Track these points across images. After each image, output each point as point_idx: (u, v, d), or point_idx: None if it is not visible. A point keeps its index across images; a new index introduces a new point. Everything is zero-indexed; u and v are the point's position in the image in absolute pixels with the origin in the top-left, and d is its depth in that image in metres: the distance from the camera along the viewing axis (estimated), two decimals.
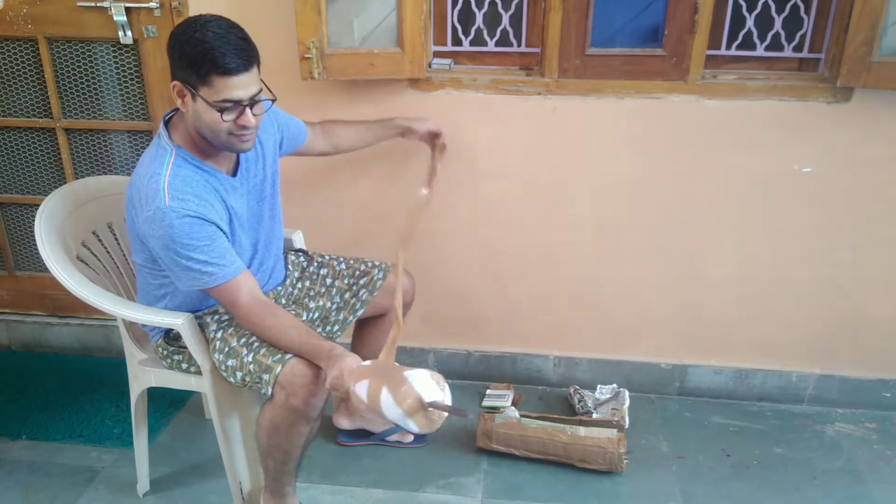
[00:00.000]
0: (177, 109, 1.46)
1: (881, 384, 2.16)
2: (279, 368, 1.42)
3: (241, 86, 1.33)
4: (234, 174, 1.53)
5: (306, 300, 1.76)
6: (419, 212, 1.85)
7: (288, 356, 1.44)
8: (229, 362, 1.50)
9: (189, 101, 1.36)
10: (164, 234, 1.37)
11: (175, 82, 1.36)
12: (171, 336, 1.61)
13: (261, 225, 1.62)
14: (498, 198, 2.07)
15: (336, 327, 1.79)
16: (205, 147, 1.45)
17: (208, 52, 1.29)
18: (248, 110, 1.37)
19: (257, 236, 1.62)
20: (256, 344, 1.48)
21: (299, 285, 1.78)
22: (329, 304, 1.78)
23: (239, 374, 1.49)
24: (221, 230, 1.43)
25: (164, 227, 1.36)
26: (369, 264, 1.84)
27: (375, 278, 1.80)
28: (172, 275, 1.44)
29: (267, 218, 1.64)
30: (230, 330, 1.53)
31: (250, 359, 1.47)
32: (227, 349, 1.51)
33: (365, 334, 1.91)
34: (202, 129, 1.39)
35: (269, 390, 1.44)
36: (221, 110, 1.34)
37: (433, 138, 1.89)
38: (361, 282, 1.80)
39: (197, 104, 1.35)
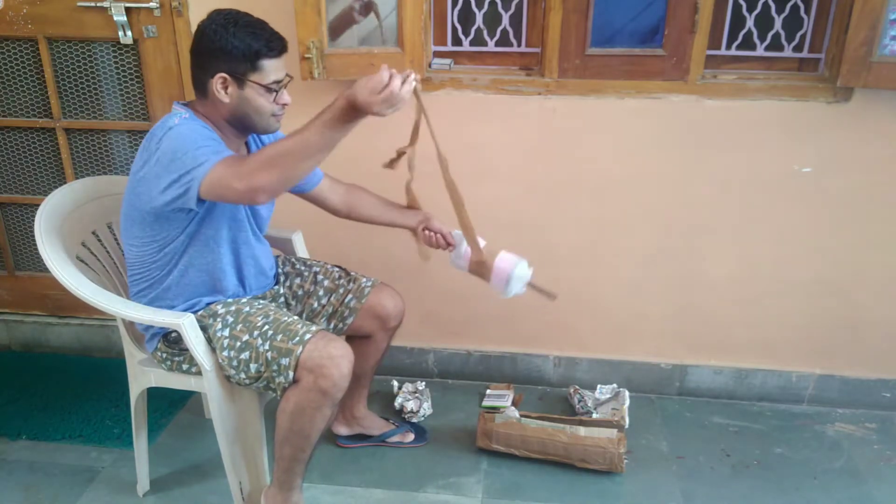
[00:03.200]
0: (187, 103, 1.53)
1: (881, 384, 2.16)
2: (300, 350, 1.43)
3: (281, 67, 1.48)
4: None
5: (300, 292, 1.77)
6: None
7: (308, 336, 1.44)
8: (242, 356, 1.49)
9: (234, 90, 1.46)
10: (173, 142, 1.39)
11: (221, 75, 1.44)
12: (170, 340, 1.61)
13: (241, 232, 1.61)
14: (498, 198, 2.07)
15: None
16: (222, 130, 1.51)
17: (257, 40, 1.42)
18: (284, 89, 1.50)
19: (238, 240, 1.61)
20: (271, 332, 1.48)
21: (298, 280, 1.79)
22: (316, 306, 1.78)
23: (254, 367, 1.49)
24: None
25: (174, 136, 1.40)
26: (358, 274, 1.83)
27: (364, 285, 1.79)
28: (170, 190, 1.39)
29: (252, 233, 1.64)
30: (239, 327, 1.53)
31: (267, 346, 1.47)
32: (238, 344, 1.51)
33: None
34: (247, 113, 1.48)
35: (291, 374, 1.44)
36: (273, 91, 1.47)
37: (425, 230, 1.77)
38: (350, 286, 1.79)
39: (246, 91, 1.45)
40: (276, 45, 1.45)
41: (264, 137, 1.67)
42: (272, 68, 1.45)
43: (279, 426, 1.52)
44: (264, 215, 1.69)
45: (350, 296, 1.78)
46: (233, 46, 1.41)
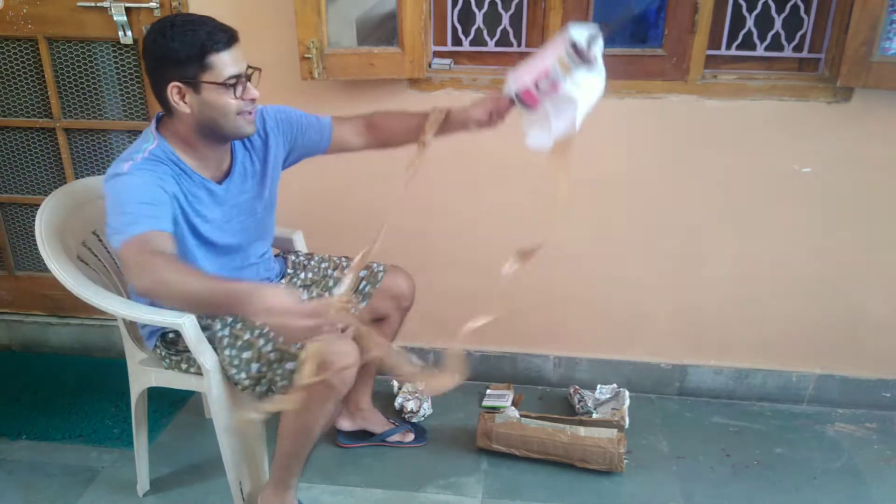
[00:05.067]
0: (163, 114, 1.46)
1: (881, 384, 2.16)
2: (305, 354, 1.42)
3: (236, 59, 1.36)
4: (221, 183, 1.52)
5: (310, 284, 1.77)
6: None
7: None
8: (244, 355, 1.49)
9: (192, 97, 1.36)
10: (112, 195, 1.35)
11: (173, 84, 1.35)
12: (167, 340, 1.61)
13: (242, 238, 1.59)
14: (498, 197, 2.07)
15: None
16: (197, 147, 1.45)
17: (199, 37, 1.32)
18: (248, 83, 1.39)
19: (233, 250, 1.59)
20: (273, 333, 1.48)
21: (301, 275, 1.79)
22: (328, 296, 1.77)
23: (255, 366, 1.48)
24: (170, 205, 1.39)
25: (115, 187, 1.35)
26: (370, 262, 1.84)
27: (376, 270, 1.80)
28: (109, 230, 1.36)
29: (253, 235, 1.62)
30: (238, 325, 1.53)
31: (269, 347, 1.47)
32: (238, 343, 1.50)
33: None
34: (212, 118, 1.38)
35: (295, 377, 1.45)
36: (231, 87, 1.36)
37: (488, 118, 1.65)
38: (362, 273, 1.79)
39: (203, 94, 1.36)
40: (219, 36, 1.33)
41: (258, 142, 1.58)
42: (225, 63, 1.34)
43: (283, 420, 1.52)
44: (260, 212, 1.63)
45: (364, 282, 1.78)
46: (173, 50, 1.31)
